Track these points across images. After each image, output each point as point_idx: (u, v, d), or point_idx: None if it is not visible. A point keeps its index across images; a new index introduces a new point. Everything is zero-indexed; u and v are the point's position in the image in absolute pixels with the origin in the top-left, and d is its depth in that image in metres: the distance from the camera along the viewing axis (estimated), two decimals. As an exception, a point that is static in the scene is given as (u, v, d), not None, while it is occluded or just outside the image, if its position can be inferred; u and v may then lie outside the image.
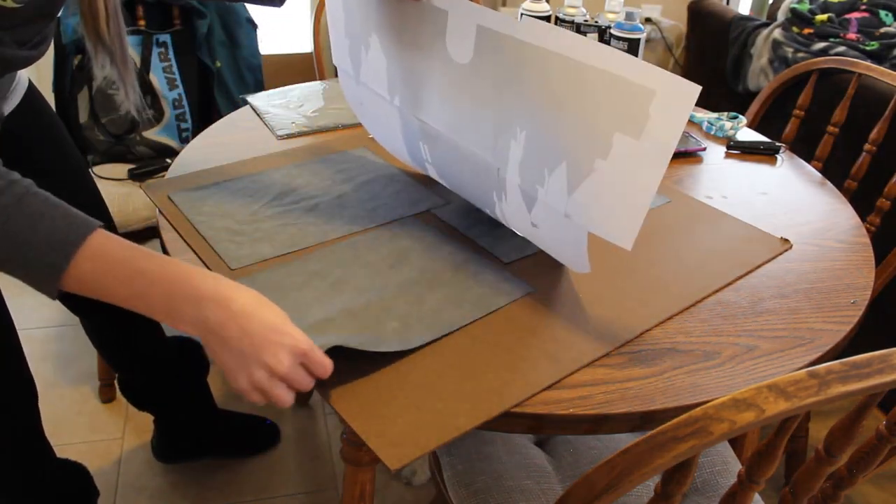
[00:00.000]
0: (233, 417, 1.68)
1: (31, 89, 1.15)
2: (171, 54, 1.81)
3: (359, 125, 1.37)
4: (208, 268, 0.94)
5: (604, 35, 1.49)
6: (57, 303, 1.35)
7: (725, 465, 1.07)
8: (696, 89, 0.70)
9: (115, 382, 1.56)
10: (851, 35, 2.09)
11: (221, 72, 1.89)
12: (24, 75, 1.09)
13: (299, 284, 0.91)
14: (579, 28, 1.50)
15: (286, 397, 0.72)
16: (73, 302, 1.35)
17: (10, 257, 0.70)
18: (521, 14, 1.58)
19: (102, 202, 1.32)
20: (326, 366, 0.73)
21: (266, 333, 0.70)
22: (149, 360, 1.46)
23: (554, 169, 0.83)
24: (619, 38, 1.45)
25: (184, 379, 1.54)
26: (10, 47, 0.87)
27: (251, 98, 1.46)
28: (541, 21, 0.81)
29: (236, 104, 1.86)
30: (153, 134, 1.81)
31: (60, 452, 1.28)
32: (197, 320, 0.71)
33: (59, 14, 0.95)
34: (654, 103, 0.72)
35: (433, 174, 1.11)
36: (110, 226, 1.33)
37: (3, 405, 1.12)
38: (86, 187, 1.28)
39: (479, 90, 0.89)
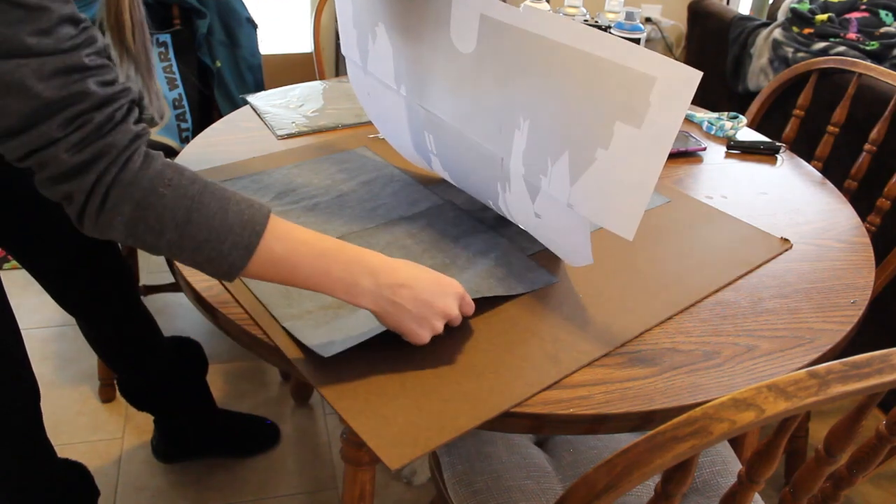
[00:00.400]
0: (232, 417, 1.68)
1: None
2: (171, 54, 1.81)
3: (359, 125, 1.37)
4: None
5: (604, 35, 1.49)
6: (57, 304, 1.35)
7: (725, 465, 1.07)
8: (696, 75, 0.70)
9: (115, 383, 1.56)
10: (851, 35, 2.09)
11: (221, 72, 1.89)
12: None
13: None
14: (579, 28, 1.50)
15: (440, 329, 0.82)
16: (70, 304, 1.35)
17: (206, 240, 0.72)
18: (521, 14, 1.58)
19: None
20: (472, 305, 0.85)
21: (434, 288, 0.80)
22: (147, 360, 1.46)
23: (557, 158, 0.83)
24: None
25: (183, 379, 1.54)
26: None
27: (251, 98, 1.46)
28: (543, 10, 0.81)
29: (236, 104, 1.86)
30: (153, 134, 1.81)
31: (61, 452, 1.28)
32: (374, 291, 0.77)
33: None
34: (654, 91, 0.72)
35: (437, 167, 1.11)
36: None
37: (4, 406, 1.12)
38: None
39: (482, 80, 0.89)
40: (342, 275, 0.77)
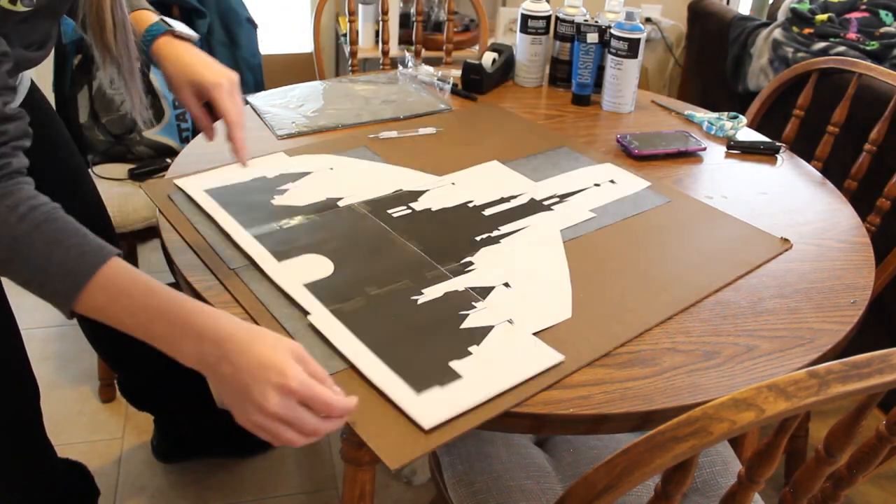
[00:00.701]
0: (232, 417, 1.67)
1: (33, 89, 1.15)
2: (171, 54, 1.81)
3: (359, 125, 1.37)
4: (208, 268, 0.94)
5: (604, 35, 1.49)
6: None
7: (725, 465, 1.07)
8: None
9: (115, 383, 1.56)
10: (851, 35, 2.09)
11: (221, 72, 1.89)
12: (27, 74, 1.09)
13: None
14: (579, 28, 1.50)
15: (295, 438, 0.68)
16: None
17: (29, 280, 0.74)
18: (521, 14, 1.58)
19: (101, 204, 1.32)
20: (333, 404, 0.68)
21: (253, 372, 0.67)
22: (147, 360, 1.45)
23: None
24: (619, 38, 1.45)
25: (183, 379, 1.53)
26: (17, 49, 0.87)
27: (251, 98, 1.46)
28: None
29: (236, 104, 1.86)
30: (153, 134, 1.81)
31: (61, 452, 1.28)
32: (196, 357, 0.71)
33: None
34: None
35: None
36: (109, 227, 1.32)
37: (5, 406, 1.12)
38: (84, 189, 1.28)
39: None
40: (164, 333, 0.72)
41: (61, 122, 1.22)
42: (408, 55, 1.65)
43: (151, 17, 1.01)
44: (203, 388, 1.58)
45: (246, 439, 1.66)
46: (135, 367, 1.46)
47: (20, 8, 0.79)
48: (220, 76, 0.96)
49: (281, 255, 0.96)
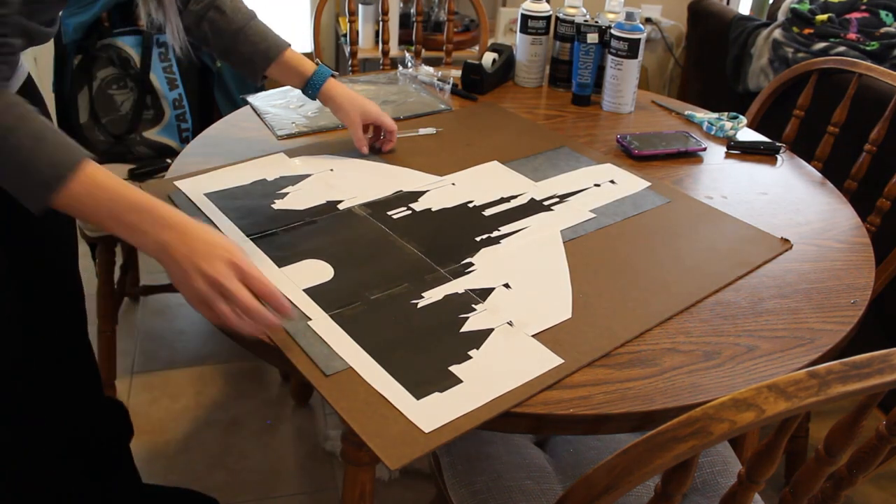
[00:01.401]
0: (164, 495, 1.50)
1: (29, 80, 1.15)
2: (171, 54, 1.81)
3: (359, 125, 1.37)
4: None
5: (604, 35, 1.49)
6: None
7: (725, 465, 1.07)
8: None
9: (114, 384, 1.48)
10: (851, 35, 2.09)
11: (221, 72, 1.89)
12: (24, 62, 1.10)
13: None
14: (579, 28, 1.50)
15: (232, 316, 0.78)
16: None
17: (12, 171, 0.78)
18: (521, 14, 1.58)
19: None
20: (267, 286, 0.80)
21: (204, 246, 0.79)
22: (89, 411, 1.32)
23: None
24: (619, 38, 1.45)
25: (106, 446, 1.38)
26: (32, 23, 0.94)
27: (251, 98, 1.46)
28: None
29: (236, 104, 1.86)
30: (153, 134, 1.81)
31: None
32: (157, 244, 0.80)
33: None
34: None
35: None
36: (72, 229, 1.27)
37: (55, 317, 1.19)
38: None
39: None
40: (133, 221, 0.81)
41: (51, 119, 1.22)
42: (408, 55, 1.65)
43: (307, 60, 1.23)
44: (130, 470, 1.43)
45: None
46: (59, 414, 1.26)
47: None
48: (378, 107, 1.25)
49: (281, 260, 0.96)
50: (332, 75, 1.24)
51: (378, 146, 1.26)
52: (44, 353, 1.20)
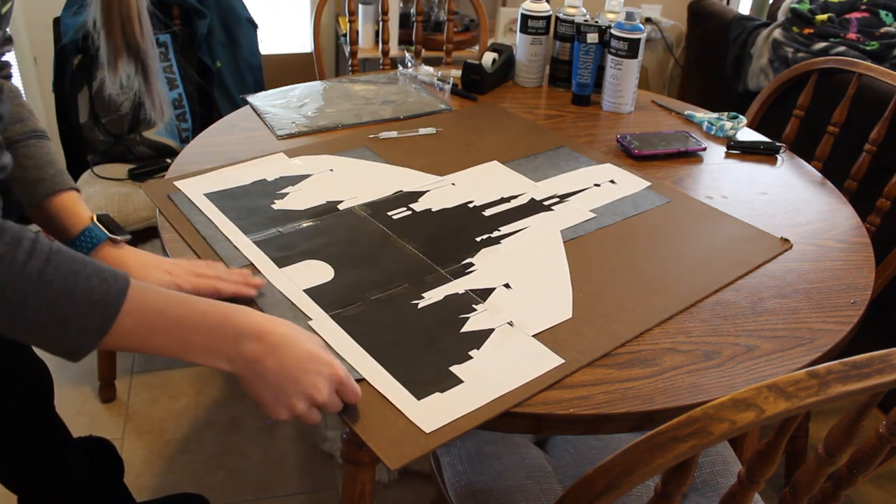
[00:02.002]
0: None
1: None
2: (171, 54, 1.81)
3: (358, 125, 1.37)
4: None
5: (604, 35, 1.49)
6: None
7: (725, 465, 1.07)
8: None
9: (114, 383, 1.39)
10: (851, 35, 2.09)
11: (221, 72, 1.89)
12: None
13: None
14: (580, 28, 1.50)
15: (318, 418, 0.73)
16: None
17: (45, 323, 0.64)
18: (521, 14, 1.58)
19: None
20: (357, 392, 0.74)
21: (303, 364, 0.71)
22: (58, 473, 1.19)
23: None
24: (619, 38, 1.45)
25: (98, 486, 1.29)
26: None
27: (251, 98, 1.46)
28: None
29: (236, 104, 1.86)
30: (153, 134, 1.81)
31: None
32: (235, 357, 0.71)
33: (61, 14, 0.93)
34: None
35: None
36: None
37: (18, 391, 1.06)
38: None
39: None
40: (201, 342, 0.70)
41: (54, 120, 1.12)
42: (408, 55, 1.65)
43: (83, 211, 0.91)
44: (121, 491, 1.36)
45: None
46: (40, 487, 1.19)
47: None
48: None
49: (281, 260, 0.96)
50: (111, 239, 0.91)
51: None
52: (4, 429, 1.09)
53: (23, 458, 1.14)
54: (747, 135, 1.44)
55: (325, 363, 0.72)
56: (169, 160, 1.71)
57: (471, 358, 0.81)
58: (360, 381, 0.78)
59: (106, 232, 0.90)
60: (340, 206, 1.09)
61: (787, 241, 1.08)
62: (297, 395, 0.70)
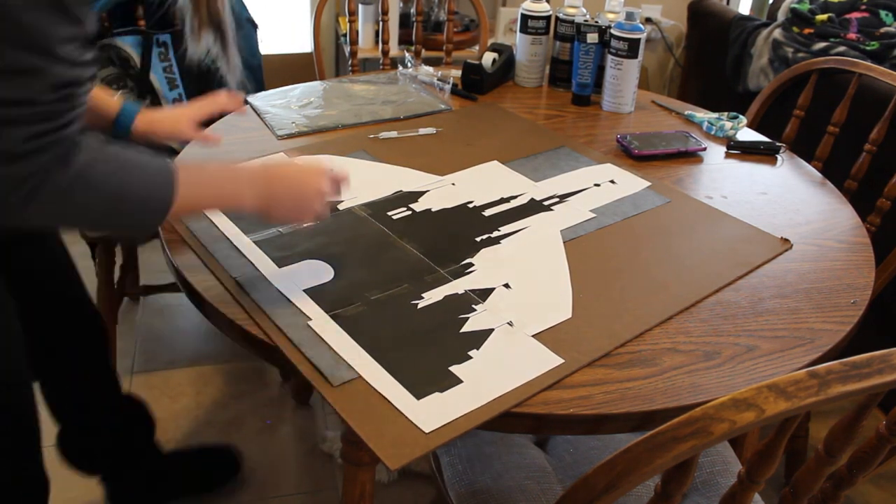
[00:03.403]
0: (186, 456, 1.58)
1: None
2: (171, 54, 1.81)
3: (358, 125, 1.37)
4: (211, 272, 0.94)
5: (604, 35, 1.49)
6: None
7: (725, 465, 1.07)
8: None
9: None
10: (851, 35, 2.09)
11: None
12: None
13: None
14: (580, 28, 1.50)
15: (328, 212, 0.94)
16: (41, 356, 1.24)
17: (128, 211, 0.81)
18: (521, 14, 1.58)
19: None
20: (344, 175, 0.94)
21: (302, 177, 0.90)
22: (92, 410, 1.35)
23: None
24: (619, 38, 1.45)
25: (132, 442, 1.44)
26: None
27: (251, 98, 1.46)
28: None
29: (236, 104, 1.86)
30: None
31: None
32: (256, 197, 0.88)
33: None
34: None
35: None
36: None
37: (82, 327, 1.25)
38: None
39: None
40: (230, 191, 0.88)
41: None
42: (408, 55, 1.65)
43: (109, 96, 1.13)
44: (153, 448, 1.49)
45: (205, 475, 1.57)
46: (80, 418, 1.34)
47: None
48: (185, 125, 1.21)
49: (281, 260, 0.96)
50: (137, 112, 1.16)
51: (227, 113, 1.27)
52: (58, 362, 1.23)
53: (78, 388, 1.31)
54: (747, 135, 1.44)
55: (315, 171, 0.90)
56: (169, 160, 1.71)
57: (470, 358, 0.81)
58: (358, 380, 0.78)
59: (137, 104, 1.14)
60: (340, 207, 1.09)
61: (787, 241, 1.08)
62: (308, 200, 0.90)
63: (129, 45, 1.76)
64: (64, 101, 0.72)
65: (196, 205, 0.89)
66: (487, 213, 1.10)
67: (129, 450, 1.43)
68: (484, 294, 0.92)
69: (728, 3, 2.92)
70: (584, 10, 1.57)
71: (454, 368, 0.80)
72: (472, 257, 0.99)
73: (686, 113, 1.51)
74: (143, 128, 1.16)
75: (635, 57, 1.46)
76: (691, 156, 1.35)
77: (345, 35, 2.49)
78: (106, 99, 1.13)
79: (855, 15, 2.18)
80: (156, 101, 1.79)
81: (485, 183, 1.18)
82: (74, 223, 0.87)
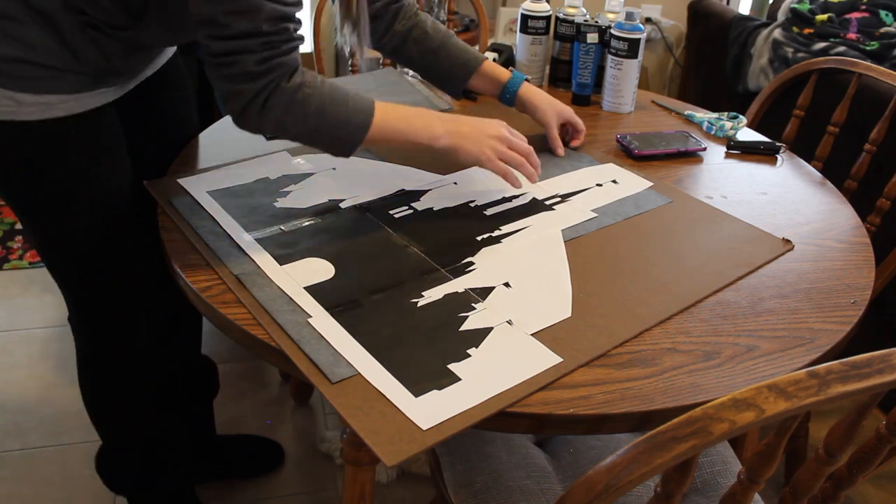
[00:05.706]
0: (233, 442, 1.64)
1: (175, 59, 1.26)
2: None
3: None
4: (212, 268, 0.95)
5: (604, 35, 1.49)
6: (58, 303, 1.35)
7: (725, 465, 1.07)
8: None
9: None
10: (851, 35, 2.09)
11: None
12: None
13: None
14: (579, 28, 1.50)
15: (517, 157, 1.09)
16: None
17: (334, 125, 0.99)
18: (521, 14, 1.58)
19: None
20: (521, 137, 1.11)
21: (483, 121, 1.08)
22: (187, 365, 1.48)
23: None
24: (619, 38, 1.45)
25: (195, 399, 1.52)
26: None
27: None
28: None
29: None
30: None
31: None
32: (445, 131, 1.05)
33: None
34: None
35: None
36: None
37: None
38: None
39: None
40: (421, 125, 1.05)
41: (192, 100, 1.32)
42: (408, 55, 1.65)
43: (501, 69, 1.32)
44: (208, 414, 1.57)
45: (248, 464, 1.63)
46: (125, 432, 1.37)
47: None
48: (570, 108, 1.33)
49: (283, 258, 0.96)
50: (526, 79, 1.31)
51: (567, 139, 1.33)
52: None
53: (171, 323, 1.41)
54: (747, 135, 1.44)
55: (493, 120, 1.09)
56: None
57: (469, 356, 0.82)
58: (356, 377, 0.78)
59: (523, 76, 1.31)
60: (342, 205, 1.09)
61: (788, 241, 1.08)
62: (486, 138, 1.06)
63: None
64: (282, 33, 0.93)
65: (390, 133, 1.03)
66: (489, 212, 1.10)
67: (192, 407, 1.52)
68: (484, 293, 0.92)
69: (728, 3, 2.92)
70: (584, 10, 1.57)
71: (453, 366, 0.80)
72: (472, 256, 0.99)
73: (686, 113, 1.51)
74: (525, 97, 1.30)
75: (635, 57, 1.46)
76: (691, 156, 1.35)
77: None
78: (499, 69, 1.31)
79: (855, 15, 2.18)
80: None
81: (486, 182, 1.18)
82: (294, 130, 0.99)
